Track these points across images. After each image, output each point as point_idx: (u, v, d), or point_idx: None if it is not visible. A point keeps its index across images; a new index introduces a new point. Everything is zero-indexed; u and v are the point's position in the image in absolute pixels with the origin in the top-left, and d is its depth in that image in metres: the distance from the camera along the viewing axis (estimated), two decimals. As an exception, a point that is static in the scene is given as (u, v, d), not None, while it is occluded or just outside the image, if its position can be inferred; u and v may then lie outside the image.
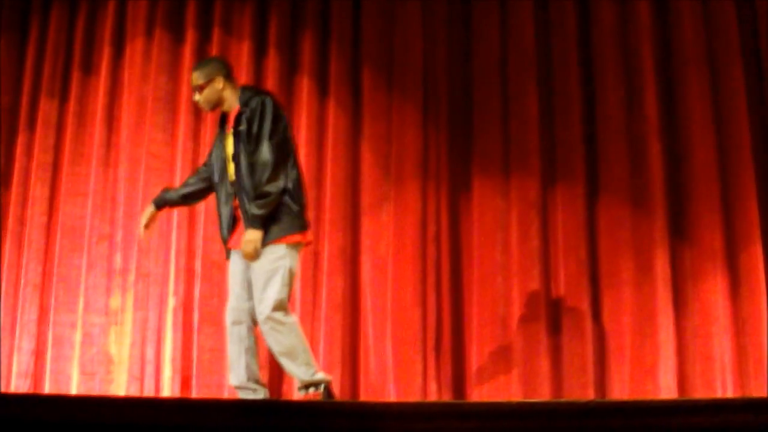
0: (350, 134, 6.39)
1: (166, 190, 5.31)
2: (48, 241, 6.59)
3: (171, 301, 6.25)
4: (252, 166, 4.79)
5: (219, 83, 5.01)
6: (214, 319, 6.18)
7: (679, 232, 5.94)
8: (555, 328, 5.97)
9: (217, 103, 5.05)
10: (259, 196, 4.73)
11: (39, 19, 6.96)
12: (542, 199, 6.11)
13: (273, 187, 4.75)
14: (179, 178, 6.37)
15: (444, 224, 6.23)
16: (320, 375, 4.81)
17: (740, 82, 5.94)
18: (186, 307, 6.25)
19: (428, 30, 6.45)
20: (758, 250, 5.72)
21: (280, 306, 4.73)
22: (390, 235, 6.21)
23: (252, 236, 4.74)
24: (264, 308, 4.72)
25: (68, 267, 6.48)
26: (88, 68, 6.82)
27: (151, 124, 6.52)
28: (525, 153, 6.16)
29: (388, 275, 6.15)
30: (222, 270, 6.23)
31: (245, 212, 4.79)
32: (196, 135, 6.52)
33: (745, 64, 5.99)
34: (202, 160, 6.34)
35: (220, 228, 5.04)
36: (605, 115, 6.12)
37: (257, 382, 4.86)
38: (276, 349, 4.75)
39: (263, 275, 4.74)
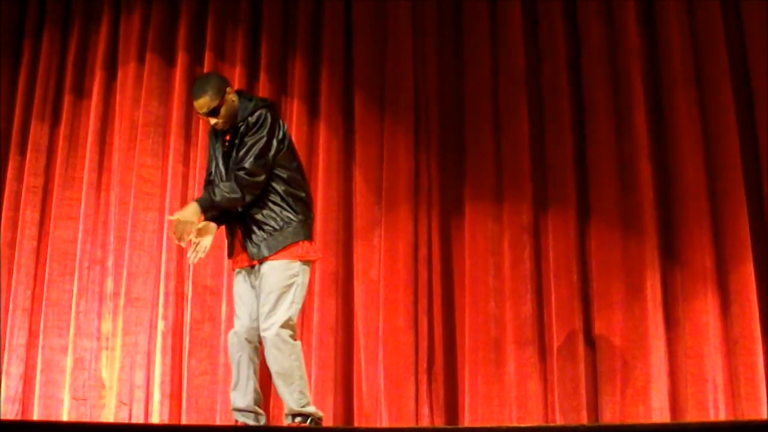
0: (342, 158, 6.40)
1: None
2: (38, 266, 6.60)
3: (160, 325, 6.24)
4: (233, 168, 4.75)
5: (231, 94, 4.87)
6: (205, 343, 6.19)
7: (670, 253, 5.92)
8: (547, 352, 5.94)
9: (235, 116, 4.86)
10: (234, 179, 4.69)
11: (31, 43, 7.01)
12: (534, 222, 6.10)
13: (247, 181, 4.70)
14: (169, 203, 6.38)
15: (436, 248, 6.22)
16: (311, 408, 4.76)
17: (729, 102, 5.92)
18: (176, 332, 6.24)
19: (419, 54, 6.47)
20: (749, 269, 5.68)
21: (288, 325, 4.68)
22: (382, 259, 6.20)
23: (189, 212, 4.67)
24: (271, 325, 4.64)
25: (59, 291, 6.48)
26: (80, 92, 6.86)
27: (142, 149, 6.54)
28: (517, 176, 6.15)
29: (380, 299, 6.14)
30: (212, 294, 6.25)
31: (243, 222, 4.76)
32: (186, 159, 6.53)
33: (733, 85, 5.97)
34: (192, 184, 6.36)
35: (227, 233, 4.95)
36: (595, 137, 6.11)
37: (260, 406, 4.82)
38: (274, 368, 4.66)
39: (276, 291, 4.68)
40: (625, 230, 5.96)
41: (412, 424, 5.87)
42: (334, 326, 6.14)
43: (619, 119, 6.10)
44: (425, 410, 5.96)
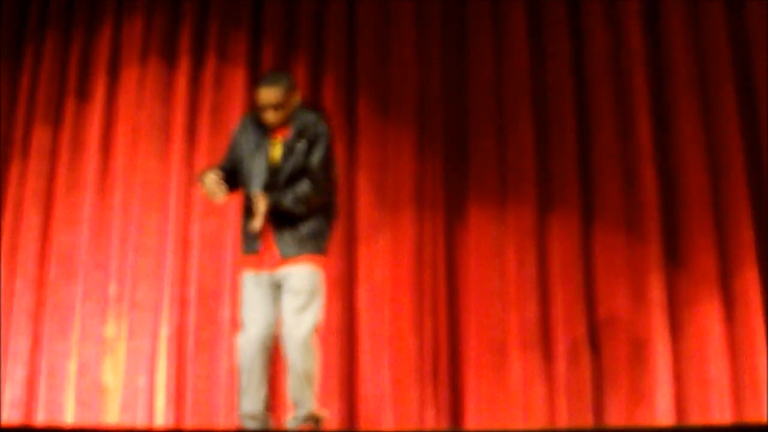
0: (345, 162, 6.36)
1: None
2: (41, 269, 6.56)
3: (164, 330, 6.22)
4: (302, 174, 4.72)
5: (297, 97, 4.82)
6: (208, 348, 6.16)
7: (674, 257, 5.92)
8: (552, 355, 5.94)
9: (289, 118, 4.78)
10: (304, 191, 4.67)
11: (33, 46, 6.99)
12: (538, 225, 6.10)
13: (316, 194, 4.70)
14: (173, 206, 6.36)
15: (440, 251, 6.21)
16: (324, 411, 4.78)
17: (733, 105, 5.93)
18: (180, 336, 6.22)
19: (423, 58, 6.46)
20: (753, 273, 5.70)
21: (316, 329, 4.69)
22: (386, 263, 6.19)
23: (264, 204, 4.61)
24: (302, 323, 4.63)
25: (62, 295, 6.45)
26: (83, 95, 6.83)
27: (145, 152, 6.52)
28: (520, 180, 6.15)
29: (384, 302, 6.12)
30: (215, 297, 6.23)
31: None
32: (190, 162, 6.51)
33: (737, 88, 5.99)
34: (195, 186, 6.31)
35: (244, 228, 4.84)
36: (599, 140, 6.12)
37: (269, 411, 4.80)
38: (300, 368, 4.63)
39: (306, 292, 4.67)
40: (628, 233, 5.97)
41: (416, 428, 5.87)
42: (338, 329, 6.12)
43: (622, 122, 6.11)
44: (429, 413, 5.95)
